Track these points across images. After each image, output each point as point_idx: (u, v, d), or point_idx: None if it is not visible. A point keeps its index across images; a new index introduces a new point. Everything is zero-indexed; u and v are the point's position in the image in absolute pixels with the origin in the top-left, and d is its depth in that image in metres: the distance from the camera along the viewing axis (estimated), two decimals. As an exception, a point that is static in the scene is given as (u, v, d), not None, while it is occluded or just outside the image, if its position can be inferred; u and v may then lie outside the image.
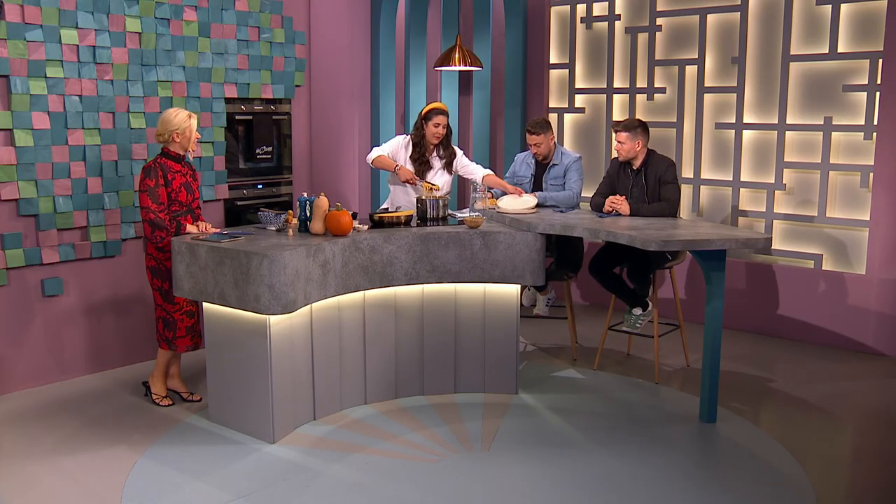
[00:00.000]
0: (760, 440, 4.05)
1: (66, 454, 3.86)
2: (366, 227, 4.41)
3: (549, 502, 3.42)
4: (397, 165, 4.97)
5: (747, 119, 5.91)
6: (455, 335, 4.59)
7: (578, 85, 6.73)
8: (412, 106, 6.35)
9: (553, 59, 6.85)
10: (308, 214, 4.28)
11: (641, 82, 6.39)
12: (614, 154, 5.57)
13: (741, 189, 5.95)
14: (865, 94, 5.39)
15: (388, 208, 4.99)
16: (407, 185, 5.03)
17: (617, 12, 6.45)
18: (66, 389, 4.71)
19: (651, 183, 4.87)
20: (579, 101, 6.75)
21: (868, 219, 5.43)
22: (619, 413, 4.39)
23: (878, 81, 5.31)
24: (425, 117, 4.98)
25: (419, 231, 4.39)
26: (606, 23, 6.52)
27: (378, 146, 5.23)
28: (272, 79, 5.78)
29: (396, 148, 5.09)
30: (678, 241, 4.02)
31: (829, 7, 5.48)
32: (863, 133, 5.41)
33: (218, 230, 4.37)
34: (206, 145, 5.41)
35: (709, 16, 6.01)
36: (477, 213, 4.79)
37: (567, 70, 6.77)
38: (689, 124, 6.18)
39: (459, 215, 4.86)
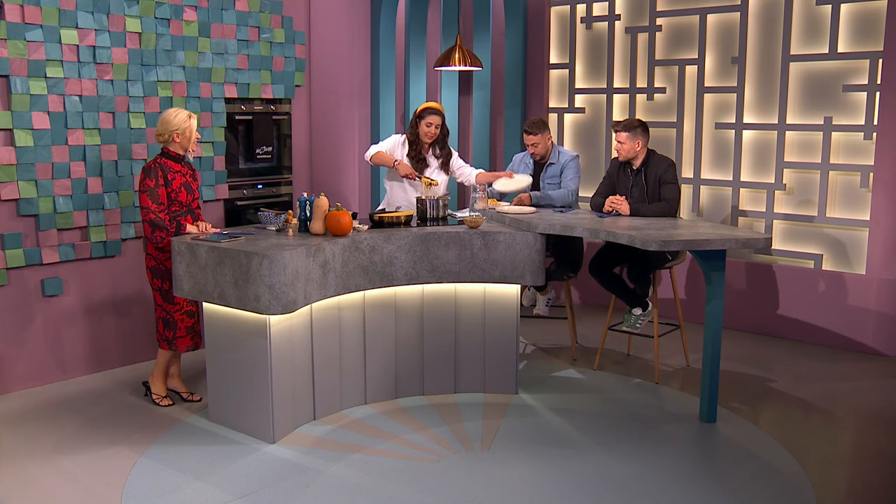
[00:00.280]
0: (760, 440, 4.05)
1: (66, 454, 3.86)
2: (366, 227, 4.41)
3: (548, 502, 3.42)
4: (396, 160, 4.97)
5: (747, 119, 5.91)
6: (455, 335, 4.59)
7: (578, 85, 6.73)
8: (412, 106, 6.34)
9: (553, 59, 6.85)
10: (308, 214, 4.28)
11: (641, 82, 6.39)
12: (614, 154, 5.58)
13: (741, 189, 5.95)
14: (865, 94, 5.39)
15: (385, 209, 4.97)
16: (405, 180, 5.03)
17: (617, 12, 6.45)
18: (66, 389, 4.71)
19: (651, 183, 4.87)
20: (579, 101, 6.75)
21: (868, 219, 5.43)
22: (619, 413, 4.39)
23: (878, 81, 5.31)
24: (419, 116, 4.97)
25: (419, 231, 4.39)
26: (606, 23, 6.52)
27: (376, 143, 5.23)
28: (272, 79, 5.78)
29: (393, 146, 5.09)
30: (678, 241, 4.02)
31: (829, 7, 5.48)
32: (863, 133, 5.41)
33: (218, 230, 4.37)
34: (206, 145, 5.41)
35: (709, 16, 6.01)
36: (477, 213, 4.79)
37: (567, 70, 6.77)
38: (689, 124, 6.18)
39: (459, 215, 4.86)
